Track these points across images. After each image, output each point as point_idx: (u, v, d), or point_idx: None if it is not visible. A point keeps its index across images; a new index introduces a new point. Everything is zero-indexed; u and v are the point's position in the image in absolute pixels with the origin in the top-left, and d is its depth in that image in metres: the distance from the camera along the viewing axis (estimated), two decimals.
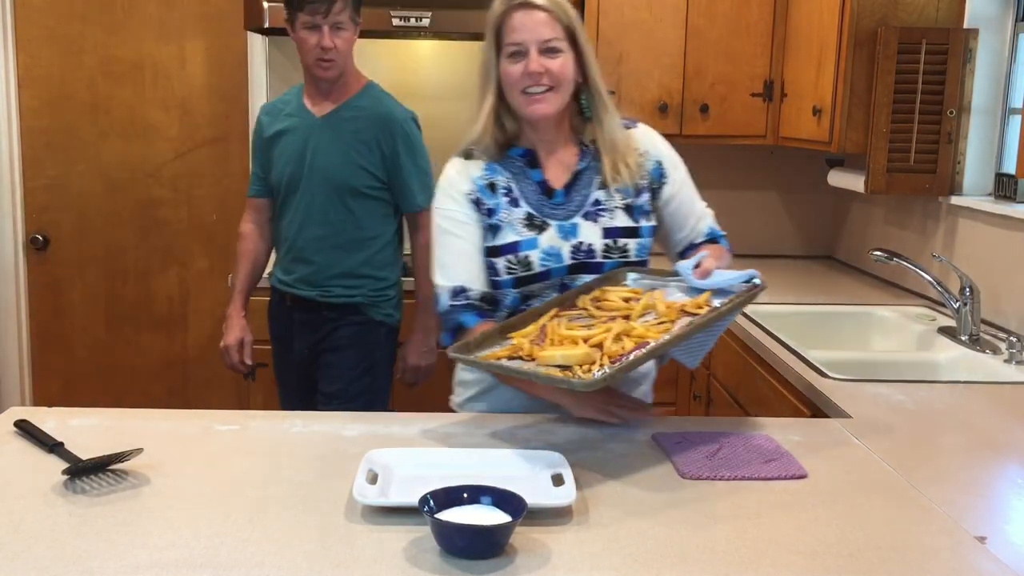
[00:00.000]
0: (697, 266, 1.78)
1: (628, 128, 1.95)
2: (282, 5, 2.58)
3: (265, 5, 3.22)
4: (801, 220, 3.98)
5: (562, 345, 1.63)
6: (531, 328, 1.73)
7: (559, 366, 1.57)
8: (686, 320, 1.67)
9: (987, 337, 2.56)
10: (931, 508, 1.48)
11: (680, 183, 1.98)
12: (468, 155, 1.94)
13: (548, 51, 1.81)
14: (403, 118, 2.68)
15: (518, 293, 1.90)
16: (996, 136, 2.97)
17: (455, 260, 1.87)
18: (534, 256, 1.86)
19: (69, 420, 1.80)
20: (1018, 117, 2.90)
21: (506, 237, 1.87)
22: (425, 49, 3.85)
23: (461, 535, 1.28)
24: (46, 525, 1.36)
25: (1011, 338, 2.44)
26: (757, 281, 1.76)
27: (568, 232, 1.88)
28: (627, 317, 1.70)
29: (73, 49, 3.70)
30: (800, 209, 3.97)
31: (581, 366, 1.56)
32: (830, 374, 2.22)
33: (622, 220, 1.90)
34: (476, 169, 1.91)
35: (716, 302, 1.73)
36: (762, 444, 1.69)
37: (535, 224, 1.88)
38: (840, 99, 3.02)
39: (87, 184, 3.79)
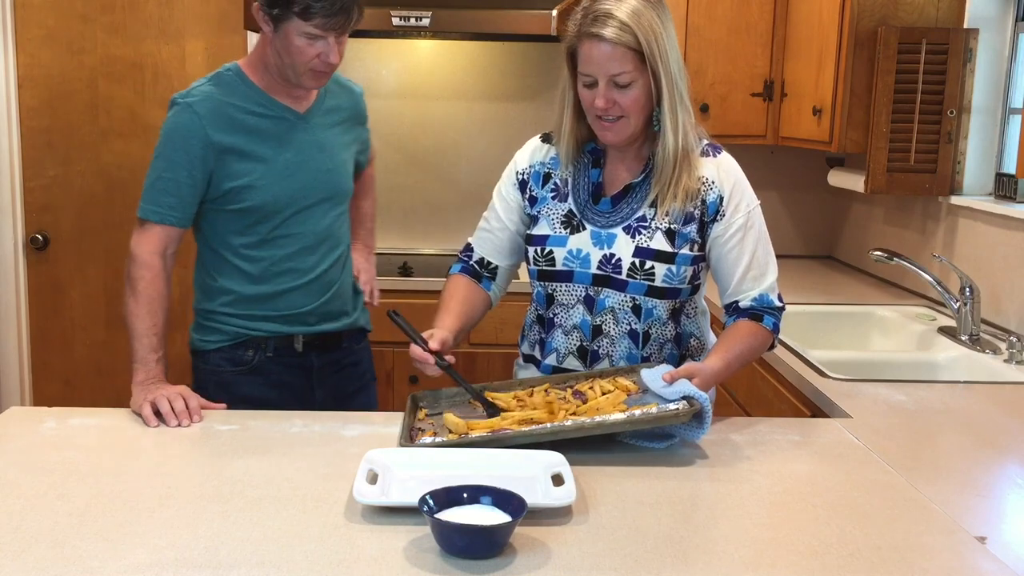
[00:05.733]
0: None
1: (707, 155, 1.88)
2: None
3: None
4: (801, 220, 3.98)
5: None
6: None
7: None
8: (600, 419, 1.65)
9: (987, 337, 2.56)
10: (931, 508, 1.48)
11: (736, 228, 1.85)
12: (549, 139, 1.98)
13: (618, 85, 1.77)
14: (361, 93, 2.32)
15: (543, 289, 1.94)
16: (996, 136, 2.97)
17: (482, 229, 2.03)
18: (558, 253, 1.89)
19: (69, 420, 1.80)
20: (1018, 117, 2.90)
21: (540, 229, 1.92)
22: (425, 49, 3.85)
23: (461, 535, 1.28)
24: (46, 525, 1.36)
25: (1011, 338, 2.44)
26: (685, 404, 1.64)
27: (603, 241, 1.87)
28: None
29: (73, 49, 3.70)
30: (800, 209, 3.97)
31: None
32: (830, 374, 2.22)
33: (659, 243, 1.84)
34: (543, 154, 1.97)
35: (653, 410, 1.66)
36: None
37: (572, 223, 1.89)
38: (840, 99, 3.02)
39: (87, 184, 3.79)
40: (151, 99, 3.76)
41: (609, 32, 1.73)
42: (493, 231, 2.00)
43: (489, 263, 2.00)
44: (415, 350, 1.77)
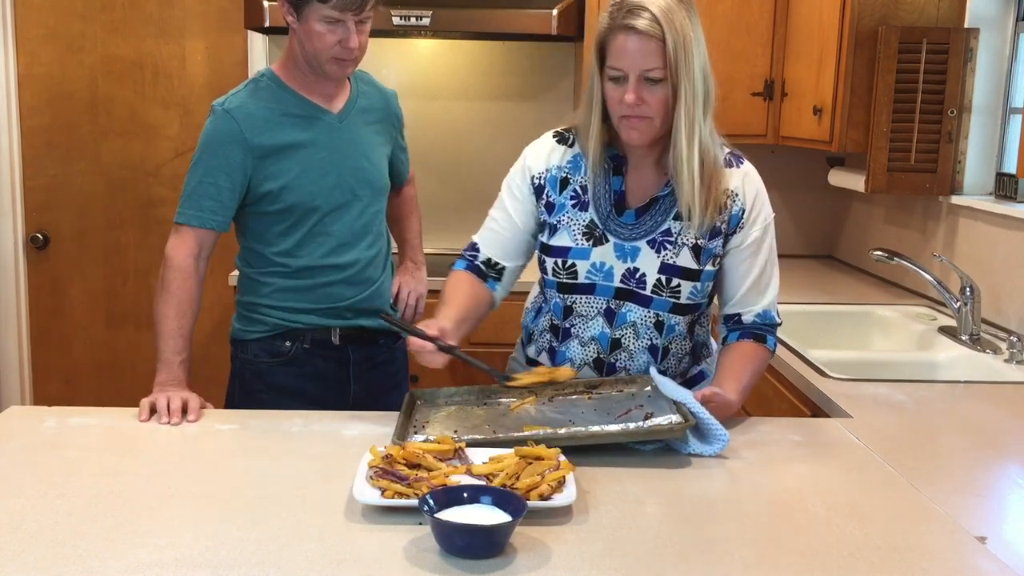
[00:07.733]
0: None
1: (731, 165, 1.84)
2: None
3: (265, 4, 3.22)
4: (801, 219, 3.98)
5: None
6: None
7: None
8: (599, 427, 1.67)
9: (987, 337, 2.56)
10: (931, 508, 1.48)
11: (752, 240, 1.84)
12: (564, 139, 1.90)
13: (649, 80, 1.71)
14: (394, 95, 2.40)
15: (561, 300, 1.89)
16: (996, 136, 2.97)
17: (489, 228, 1.94)
18: (581, 266, 1.84)
19: (69, 420, 1.80)
20: (1018, 117, 2.90)
21: (561, 240, 1.85)
22: (425, 48, 3.85)
23: (461, 535, 1.28)
24: (46, 525, 1.36)
25: (1011, 338, 2.44)
26: (679, 419, 1.65)
27: (627, 254, 1.82)
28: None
29: (73, 48, 3.70)
30: (800, 208, 3.97)
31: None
32: (830, 374, 2.22)
33: (685, 259, 1.81)
34: (560, 157, 1.88)
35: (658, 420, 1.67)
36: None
37: (594, 235, 1.83)
38: (841, 98, 3.01)
39: (87, 183, 3.79)
40: (151, 98, 3.76)
41: (642, 24, 1.69)
42: (502, 230, 1.91)
43: (496, 263, 1.92)
44: (413, 341, 1.71)
